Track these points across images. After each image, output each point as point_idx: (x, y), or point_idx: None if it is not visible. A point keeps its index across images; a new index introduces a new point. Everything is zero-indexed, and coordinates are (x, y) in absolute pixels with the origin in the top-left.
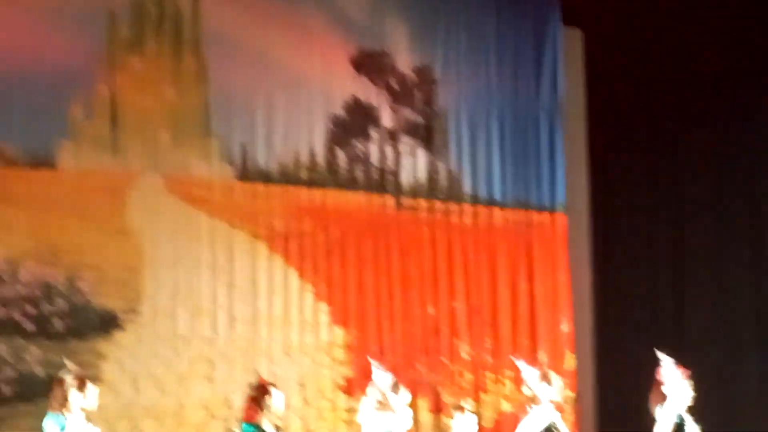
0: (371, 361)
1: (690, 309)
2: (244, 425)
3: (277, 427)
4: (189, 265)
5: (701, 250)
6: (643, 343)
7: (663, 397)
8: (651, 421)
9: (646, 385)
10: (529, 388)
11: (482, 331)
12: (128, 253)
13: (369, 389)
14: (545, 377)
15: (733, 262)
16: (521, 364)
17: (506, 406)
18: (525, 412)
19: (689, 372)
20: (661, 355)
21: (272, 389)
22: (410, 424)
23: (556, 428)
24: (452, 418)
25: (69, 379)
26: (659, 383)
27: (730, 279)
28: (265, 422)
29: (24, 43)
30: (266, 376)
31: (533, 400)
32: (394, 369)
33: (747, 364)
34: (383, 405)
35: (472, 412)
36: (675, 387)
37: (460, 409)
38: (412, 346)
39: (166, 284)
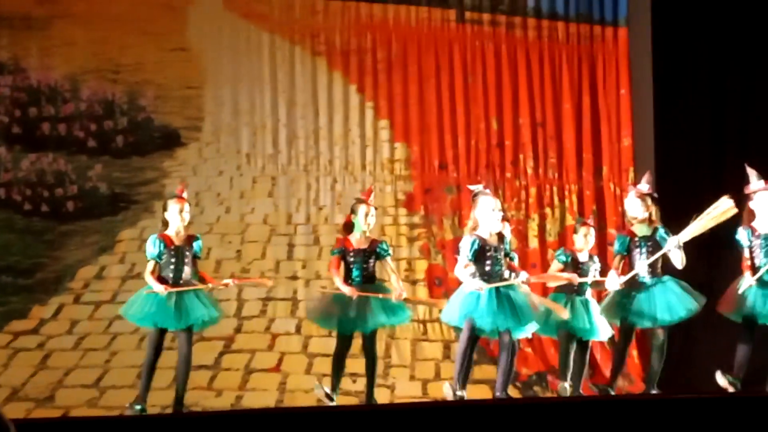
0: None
1: (759, 122)
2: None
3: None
4: (250, 82)
5: None
6: (705, 159)
7: (751, 214)
8: (715, 241)
9: (706, 200)
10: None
11: (546, 146)
12: (189, 71)
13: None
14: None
15: None
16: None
17: (570, 221)
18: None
19: None
20: (749, 170)
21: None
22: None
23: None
24: (576, 233)
25: (170, 203)
26: (747, 198)
27: None
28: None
29: None
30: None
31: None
32: (456, 184)
33: None
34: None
35: (593, 227)
36: (759, 200)
37: (586, 225)
38: (475, 161)
39: (227, 101)
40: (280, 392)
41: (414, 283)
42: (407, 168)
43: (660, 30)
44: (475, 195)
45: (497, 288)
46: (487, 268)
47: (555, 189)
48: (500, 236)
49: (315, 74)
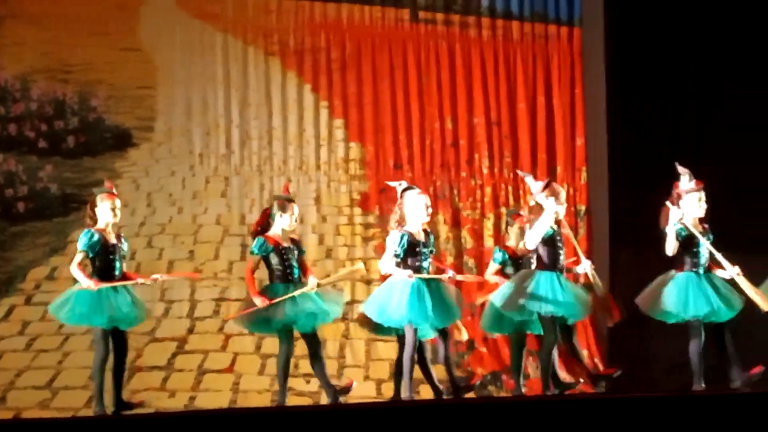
0: None
1: (712, 121)
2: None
3: (293, 240)
4: (202, 82)
5: (727, 58)
6: (659, 158)
7: (675, 213)
8: (662, 235)
9: (659, 198)
10: (535, 200)
11: (501, 146)
12: (141, 70)
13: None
14: (552, 191)
15: (760, 73)
16: (528, 177)
17: None
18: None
19: (703, 184)
20: (681, 168)
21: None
22: None
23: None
24: (510, 226)
25: (101, 199)
26: (676, 197)
27: (757, 92)
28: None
29: None
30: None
31: (538, 211)
32: (412, 184)
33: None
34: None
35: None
36: (689, 200)
37: (519, 217)
38: (430, 160)
39: (179, 102)
40: (233, 393)
41: (369, 283)
42: (362, 168)
43: (613, 30)
44: (404, 190)
45: (428, 282)
46: (417, 264)
47: (510, 188)
48: (426, 233)
49: (268, 74)
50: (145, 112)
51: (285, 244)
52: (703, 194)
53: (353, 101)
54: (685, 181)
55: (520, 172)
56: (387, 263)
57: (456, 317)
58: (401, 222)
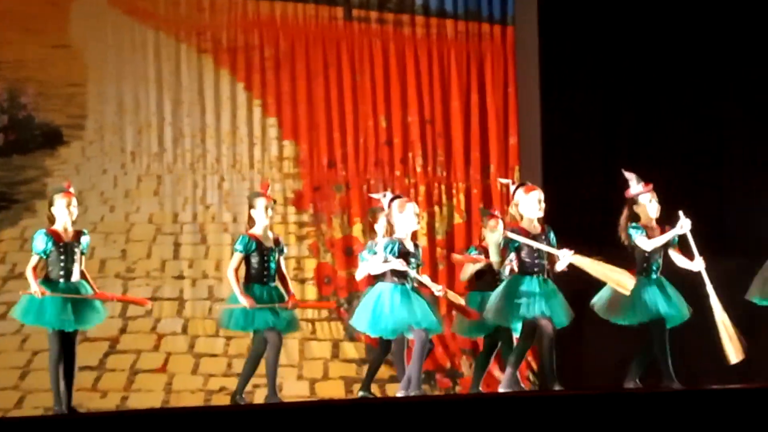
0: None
1: (646, 120)
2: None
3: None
4: (134, 79)
5: (662, 55)
6: (593, 158)
7: (635, 217)
8: (601, 240)
9: (592, 200)
10: (515, 206)
11: (435, 144)
12: (72, 68)
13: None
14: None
15: (698, 67)
16: (509, 184)
17: (458, 219)
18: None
19: (652, 185)
20: (627, 174)
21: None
22: None
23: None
24: (485, 227)
25: (57, 198)
26: (631, 202)
27: (697, 87)
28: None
29: None
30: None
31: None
32: (345, 182)
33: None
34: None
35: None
36: (643, 203)
37: (494, 217)
38: (364, 159)
39: (111, 99)
40: (166, 393)
41: (303, 281)
42: (296, 166)
43: (547, 28)
44: (391, 200)
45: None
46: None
47: (443, 187)
48: (415, 245)
49: (201, 72)
50: (75, 110)
51: (267, 244)
52: (654, 194)
53: (287, 99)
54: (634, 185)
55: (502, 180)
56: (378, 264)
57: (440, 328)
58: (390, 231)
